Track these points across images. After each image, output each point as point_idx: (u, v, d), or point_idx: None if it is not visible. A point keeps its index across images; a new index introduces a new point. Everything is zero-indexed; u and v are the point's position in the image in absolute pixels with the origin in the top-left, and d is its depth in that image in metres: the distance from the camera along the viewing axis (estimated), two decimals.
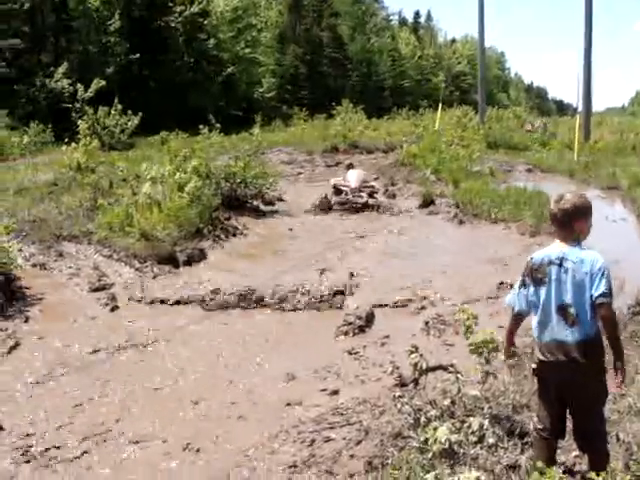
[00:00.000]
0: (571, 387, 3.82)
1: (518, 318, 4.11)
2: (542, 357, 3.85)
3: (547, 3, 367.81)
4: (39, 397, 6.08)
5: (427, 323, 7.86)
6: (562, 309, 3.77)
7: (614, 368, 3.80)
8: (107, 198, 13.03)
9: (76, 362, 6.91)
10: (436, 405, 4.57)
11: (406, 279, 9.90)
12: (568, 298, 3.76)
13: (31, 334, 7.67)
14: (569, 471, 4.16)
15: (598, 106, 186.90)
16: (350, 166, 19.22)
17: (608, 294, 3.69)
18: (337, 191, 16.76)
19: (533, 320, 3.93)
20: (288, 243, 12.93)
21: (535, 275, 3.86)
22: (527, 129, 37.26)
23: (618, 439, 4.23)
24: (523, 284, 3.94)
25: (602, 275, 3.71)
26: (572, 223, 3.84)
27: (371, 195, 16.65)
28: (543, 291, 3.83)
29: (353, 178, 17.01)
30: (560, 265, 3.78)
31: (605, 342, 3.86)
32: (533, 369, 3.99)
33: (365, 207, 16.02)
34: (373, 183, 17.83)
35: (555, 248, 3.87)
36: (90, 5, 34.02)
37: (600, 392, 3.91)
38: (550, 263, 3.81)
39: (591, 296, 3.71)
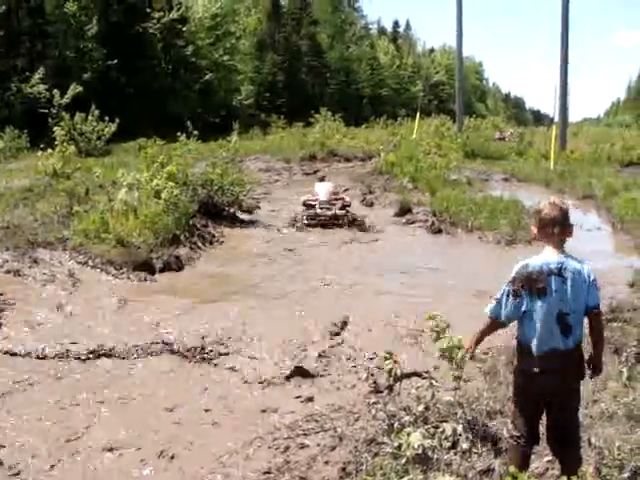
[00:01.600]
0: (559, 394, 3.88)
1: (497, 326, 4.08)
2: (535, 369, 3.85)
3: (525, 15, 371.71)
4: (9, 405, 6.00)
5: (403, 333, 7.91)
6: (561, 318, 3.80)
7: (588, 363, 3.97)
8: (83, 205, 12.95)
9: (48, 370, 6.83)
10: (410, 411, 4.58)
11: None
12: (567, 308, 3.80)
13: (3, 341, 7.57)
14: (540, 476, 4.19)
15: (575, 116, 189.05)
16: (322, 179, 17.77)
17: (600, 303, 3.88)
18: (308, 207, 15.77)
19: (526, 331, 3.89)
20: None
21: (534, 285, 3.82)
22: (496, 137, 37.55)
23: (590, 444, 4.27)
24: (515, 294, 3.88)
25: (596, 287, 3.85)
26: (567, 225, 3.91)
27: (343, 208, 15.64)
28: (543, 301, 3.82)
29: (322, 191, 16.14)
30: (559, 275, 3.80)
31: None
32: (522, 381, 3.98)
33: (335, 219, 15.22)
34: (344, 195, 16.76)
35: (552, 256, 3.87)
36: (67, 10, 33.76)
37: (579, 397, 4.04)
38: (550, 273, 3.81)
39: (587, 305, 3.82)
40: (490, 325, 4.11)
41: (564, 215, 3.89)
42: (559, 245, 3.89)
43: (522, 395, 4.03)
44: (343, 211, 15.48)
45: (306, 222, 15.21)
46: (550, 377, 3.83)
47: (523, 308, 3.87)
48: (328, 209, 15.42)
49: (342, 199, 16.10)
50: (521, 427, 4.00)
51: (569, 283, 3.78)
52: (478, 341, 4.25)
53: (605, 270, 10.84)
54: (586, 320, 3.92)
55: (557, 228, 3.88)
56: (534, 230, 4.04)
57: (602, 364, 4.00)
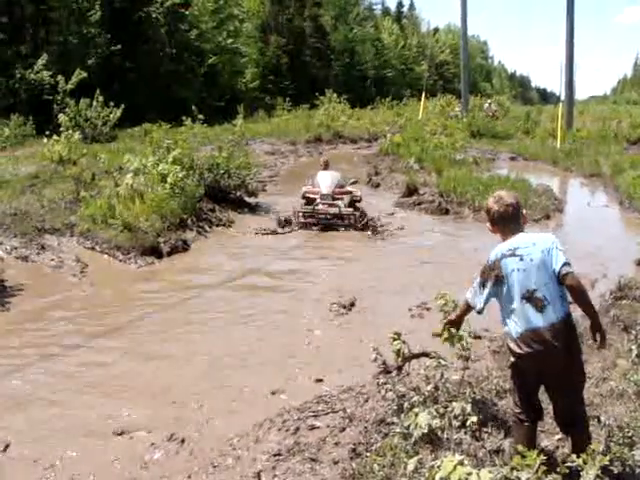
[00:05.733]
0: (552, 375, 3.84)
1: (470, 311, 4.23)
2: (519, 350, 3.83)
3: None
4: (16, 392, 6.05)
5: (410, 309, 7.94)
6: (528, 296, 3.78)
7: (592, 332, 3.85)
8: (89, 190, 12.95)
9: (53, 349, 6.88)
10: (419, 391, 4.58)
11: None
12: (532, 283, 3.77)
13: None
14: (550, 456, 4.19)
15: (581, 94, 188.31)
16: (326, 165, 14.16)
17: (569, 263, 3.76)
18: (308, 201, 13.30)
19: (503, 317, 3.92)
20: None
21: (491, 274, 3.89)
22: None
23: (600, 421, 4.26)
24: (482, 285, 3.98)
25: (557, 248, 3.79)
26: (519, 215, 3.98)
27: (352, 204, 13.20)
28: (504, 286, 3.85)
29: (324, 182, 13.31)
30: (513, 255, 3.81)
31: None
32: (512, 363, 3.97)
33: (340, 219, 12.81)
34: (351, 188, 13.65)
35: (505, 243, 3.92)
36: None
37: (580, 375, 3.96)
38: (503, 257, 3.85)
39: (554, 271, 3.75)
40: (466, 309, 4.29)
41: (514, 209, 3.95)
42: (514, 231, 3.94)
43: (515, 375, 4.02)
44: (350, 209, 12.98)
45: (302, 220, 12.93)
46: (533, 359, 3.79)
47: (492, 298, 3.96)
48: (331, 205, 12.91)
49: (350, 193, 13.42)
50: (521, 405, 3.99)
51: (526, 258, 3.79)
52: (454, 322, 4.43)
53: (613, 248, 10.83)
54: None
55: (506, 223, 3.96)
56: (489, 227, 4.08)
57: (603, 330, 3.85)
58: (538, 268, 3.77)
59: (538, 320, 3.76)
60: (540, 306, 3.75)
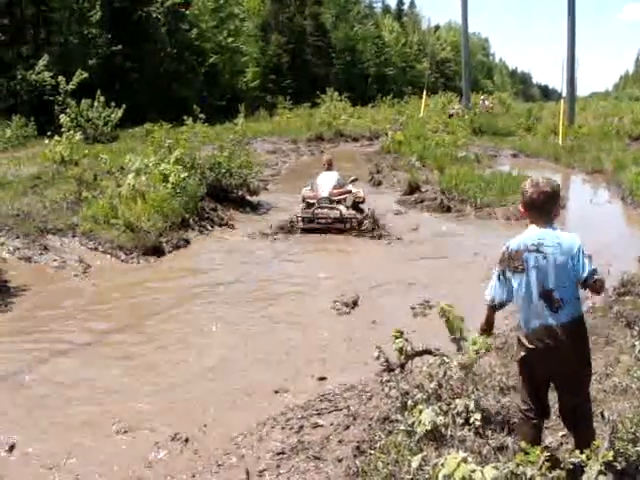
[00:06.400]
0: (560, 371, 3.83)
1: (496, 309, 4.11)
2: (530, 345, 3.82)
3: None
4: (21, 392, 6.05)
5: (413, 308, 7.93)
6: (546, 295, 3.76)
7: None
8: (91, 191, 12.95)
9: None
10: (423, 388, 4.57)
11: None
12: (551, 283, 3.74)
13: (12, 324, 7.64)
14: (554, 451, 4.18)
15: (583, 91, 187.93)
16: (329, 166, 13.50)
17: (597, 269, 3.74)
18: (308, 205, 12.82)
19: (519, 309, 3.90)
20: None
21: (510, 263, 3.84)
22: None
23: (603, 417, 4.26)
24: (502, 274, 3.91)
25: (584, 254, 3.74)
26: (550, 206, 3.84)
27: (355, 206, 12.87)
28: (522, 279, 3.80)
29: (322, 185, 12.82)
30: (537, 251, 3.76)
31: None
32: (522, 357, 3.95)
33: (341, 222, 12.33)
34: (352, 188, 13.22)
35: (531, 234, 3.83)
36: None
37: (588, 373, 3.96)
38: (527, 250, 3.78)
39: (579, 278, 3.72)
40: (490, 310, 4.16)
41: (546, 197, 3.81)
42: (543, 222, 3.83)
43: (523, 371, 4.01)
44: (353, 212, 12.65)
45: (302, 226, 12.48)
46: (544, 355, 3.79)
47: (511, 287, 3.88)
48: (331, 208, 12.49)
49: (349, 192, 12.97)
50: (529, 401, 3.98)
51: (550, 258, 3.73)
52: (487, 328, 4.30)
53: (615, 244, 10.81)
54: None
55: (533, 210, 3.85)
56: (520, 209, 3.98)
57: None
58: (559, 269, 3.74)
59: (552, 319, 3.76)
60: (556, 306, 3.75)
